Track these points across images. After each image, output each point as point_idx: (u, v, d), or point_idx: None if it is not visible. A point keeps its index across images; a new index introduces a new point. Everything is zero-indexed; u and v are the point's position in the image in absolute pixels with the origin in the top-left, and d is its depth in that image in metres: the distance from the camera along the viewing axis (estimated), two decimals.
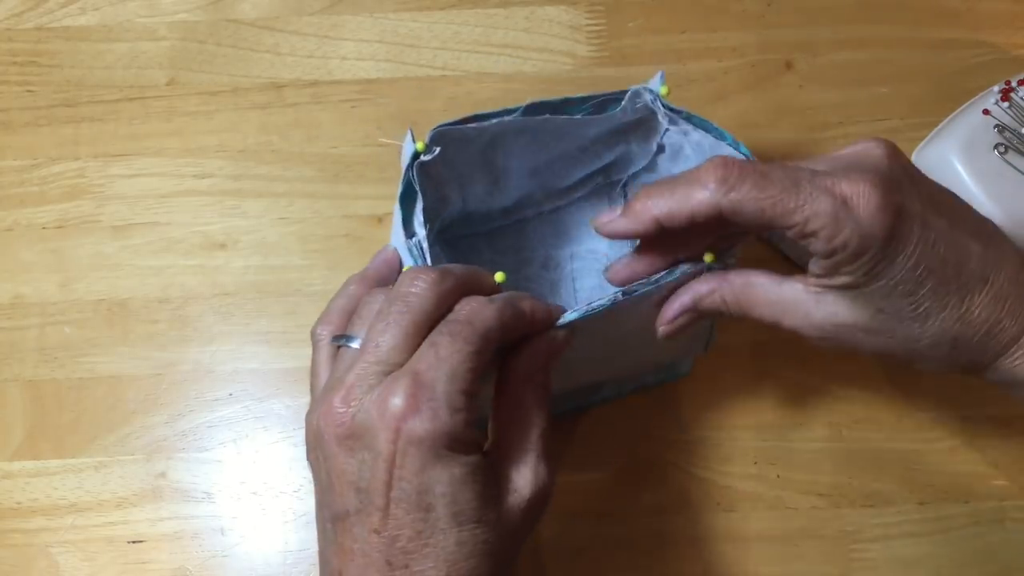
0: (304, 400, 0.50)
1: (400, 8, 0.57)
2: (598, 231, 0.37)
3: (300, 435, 0.49)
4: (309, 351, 0.50)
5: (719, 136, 0.41)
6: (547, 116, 0.42)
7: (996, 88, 0.50)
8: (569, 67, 0.56)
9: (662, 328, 0.39)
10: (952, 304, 0.34)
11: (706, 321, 0.42)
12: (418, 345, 0.33)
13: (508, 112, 0.41)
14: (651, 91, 0.42)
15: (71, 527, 0.48)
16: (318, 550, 0.35)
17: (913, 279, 0.33)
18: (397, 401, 0.31)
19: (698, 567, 0.47)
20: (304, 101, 0.55)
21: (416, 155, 0.39)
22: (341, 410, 0.32)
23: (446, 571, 0.31)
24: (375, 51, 0.56)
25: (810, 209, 0.32)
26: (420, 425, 0.31)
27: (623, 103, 0.43)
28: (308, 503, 0.48)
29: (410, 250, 0.39)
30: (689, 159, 0.44)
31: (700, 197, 0.34)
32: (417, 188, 0.39)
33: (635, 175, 0.49)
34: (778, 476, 0.48)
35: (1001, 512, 0.48)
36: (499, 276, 0.37)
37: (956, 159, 0.49)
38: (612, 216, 0.37)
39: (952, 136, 0.50)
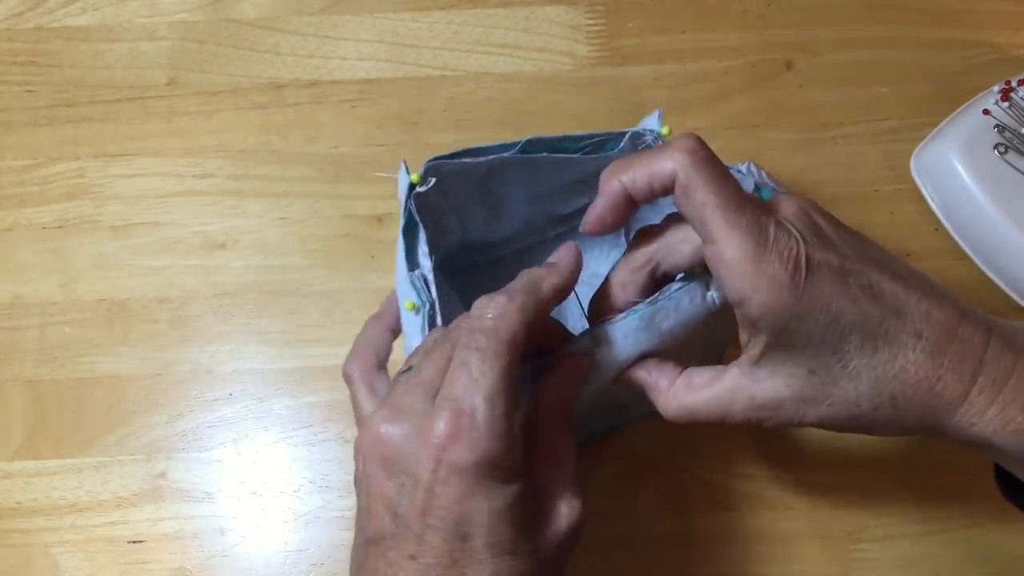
0: (305, 400, 0.50)
1: (400, 8, 0.57)
2: (586, 230, 0.37)
3: (300, 435, 0.49)
4: (309, 351, 0.50)
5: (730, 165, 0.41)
6: (544, 154, 0.41)
7: (996, 88, 0.50)
8: (569, 67, 0.56)
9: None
10: (883, 361, 0.32)
11: (717, 349, 0.42)
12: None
13: (505, 148, 0.40)
14: (652, 132, 0.41)
15: (71, 527, 0.48)
16: (350, 573, 0.34)
17: (835, 335, 0.32)
18: (439, 428, 0.31)
19: (699, 567, 0.47)
20: (304, 101, 0.55)
21: (412, 187, 0.39)
22: (384, 431, 0.32)
23: None
24: (375, 51, 0.56)
25: (742, 230, 0.31)
26: (461, 454, 0.30)
27: (622, 144, 0.42)
28: (308, 503, 0.48)
29: (412, 283, 0.38)
30: None
31: (664, 164, 0.33)
32: (418, 220, 0.38)
33: None
34: (778, 476, 0.48)
35: (1000, 512, 0.48)
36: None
37: (956, 159, 0.49)
38: (592, 212, 0.36)
39: (952, 136, 0.50)
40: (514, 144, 0.40)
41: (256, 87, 0.55)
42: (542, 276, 0.35)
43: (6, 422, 0.49)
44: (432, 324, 0.37)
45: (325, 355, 0.50)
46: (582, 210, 0.47)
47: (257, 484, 0.49)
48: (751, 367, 0.34)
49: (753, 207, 0.32)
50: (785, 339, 0.32)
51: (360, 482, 0.33)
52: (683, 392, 0.36)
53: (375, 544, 0.32)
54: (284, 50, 0.56)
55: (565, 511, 0.34)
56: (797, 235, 0.32)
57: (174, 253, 0.52)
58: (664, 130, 0.41)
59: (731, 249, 0.32)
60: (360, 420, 0.37)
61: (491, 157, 0.40)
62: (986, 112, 0.49)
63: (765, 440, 0.49)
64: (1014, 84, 0.50)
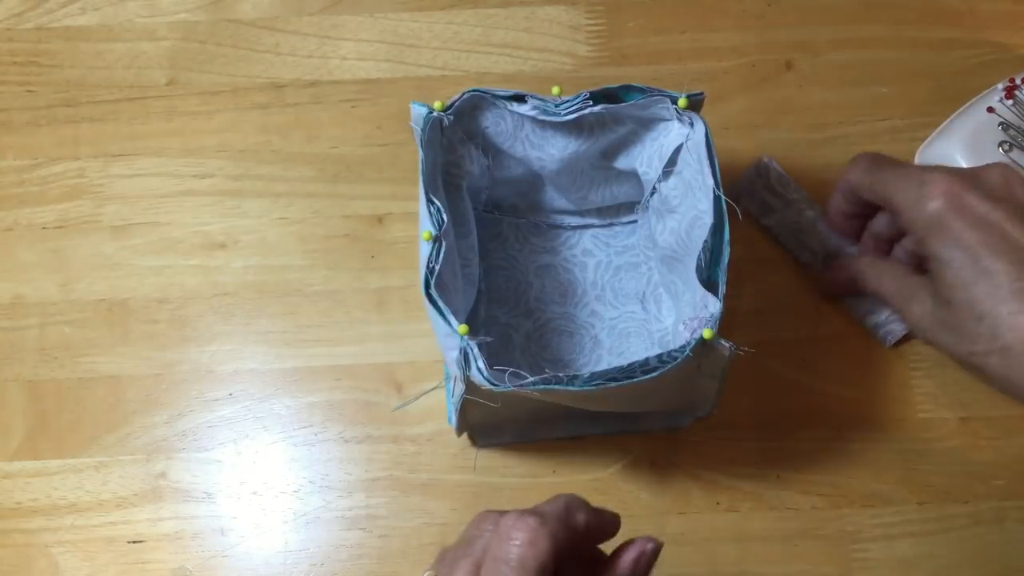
0: (305, 400, 0.50)
1: (400, 8, 0.57)
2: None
3: (300, 435, 0.49)
4: (309, 351, 0.51)
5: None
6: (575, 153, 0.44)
7: (1000, 86, 0.50)
8: (569, 67, 0.55)
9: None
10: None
11: (716, 384, 0.42)
12: None
13: (561, 104, 0.42)
14: (672, 97, 0.42)
15: (71, 527, 0.48)
16: None
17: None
18: None
19: (699, 567, 0.47)
20: (304, 101, 0.55)
21: (430, 112, 0.41)
22: None
23: None
24: (375, 51, 0.56)
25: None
26: None
27: (641, 100, 0.43)
28: (308, 503, 0.48)
29: (430, 214, 0.40)
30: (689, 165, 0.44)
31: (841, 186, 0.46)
32: (427, 148, 0.41)
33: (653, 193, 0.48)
34: (778, 476, 0.48)
35: (1001, 512, 0.48)
36: (462, 329, 0.38)
37: (960, 157, 0.49)
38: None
39: (956, 134, 0.50)
40: (573, 99, 0.42)
41: (256, 87, 0.55)
42: (577, 507, 0.34)
43: (6, 422, 0.49)
44: (438, 254, 0.39)
45: (325, 355, 0.50)
46: (618, 207, 0.51)
47: (257, 484, 0.49)
48: (937, 293, 0.41)
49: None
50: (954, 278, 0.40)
51: None
52: (869, 270, 0.46)
53: None
54: (284, 50, 0.56)
55: None
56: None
57: (174, 253, 0.52)
58: (681, 102, 0.42)
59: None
60: None
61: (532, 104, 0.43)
62: (990, 110, 0.49)
63: (765, 440, 0.49)
64: (1018, 82, 0.49)
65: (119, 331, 0.51)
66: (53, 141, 0.54)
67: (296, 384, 0.50)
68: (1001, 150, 0.49)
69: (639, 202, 0.49)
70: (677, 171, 0.45)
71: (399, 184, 0.53)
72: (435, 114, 0.41)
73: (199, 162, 0.54)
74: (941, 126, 0.52)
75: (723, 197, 0.40)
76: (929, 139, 0.52)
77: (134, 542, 0.48)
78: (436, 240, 0.39)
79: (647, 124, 0.44)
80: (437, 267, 0.39)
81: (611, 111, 0.43)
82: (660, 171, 0.45)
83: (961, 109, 0.51)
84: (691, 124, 0.42)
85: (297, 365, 0.50)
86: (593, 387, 0.37)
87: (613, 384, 0.37)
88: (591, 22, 0.56)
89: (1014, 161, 0.48)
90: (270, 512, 0.48)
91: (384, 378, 0.50)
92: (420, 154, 0.41)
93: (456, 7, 0.57)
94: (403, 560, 0.47)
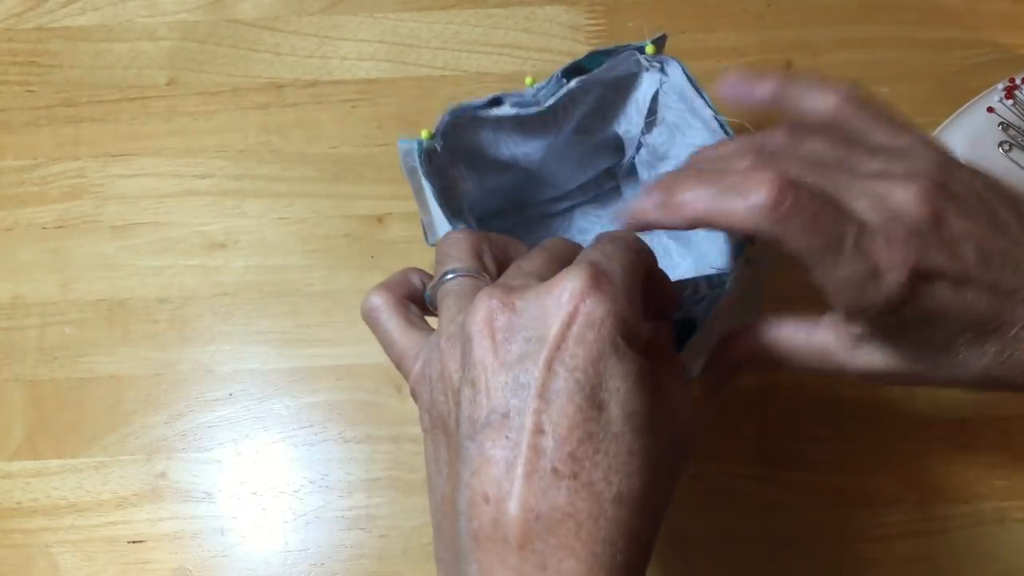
0: (305, 400, 0.50)
1: (400, 8, 0.57)
2: (629, 224, 0.34)
3: (300, 435, 0.49)
4: (309, 351, 0.50)
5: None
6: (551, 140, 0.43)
7: (1000, 85, 0.50)
8: None
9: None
10: (993, 352, 0.31)
11: (758, 288, 0.41)
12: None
13: (528, 99, 0.43)
14: (638, 47, 0.42)
15: (71, 527, 0.48)
16: (437, 493, 0.30)
17: (947, 335, 0.31)
18: (573, 283, 0.28)
19: (699, 567, 0.47)
20: (304, 101, 0.55)
21: (421, 145, 0.40)
22: (502, 303, 0.28)
23: (618, 485, 0.27)
24: (375, 51, 0.56)
25: (846, 271, 0.30)
26: (601, 306, 0.27)
27: (609, 62, 0.42)
28: (308, 503, 0.48)
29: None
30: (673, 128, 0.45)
31: (743, 214, 0.30)
32: (430, 180, 0.40)
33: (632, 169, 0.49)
34: (779, 476, 0.48)
35: (1001, 512, 0.48)
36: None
37: (960, 157, 0.49)
38: (643, 205, 0.33)
39: (956, 134, 0.50)
40: (536, 94, 0.43)
41: (256, 87, 0.55)
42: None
43: (6, 422, 0.49)
44: None
45: (325, 355, 0.50)
46: (587, 185, 0.50)
47: (257, 484, 0.49)
48: (848, 340, 0.33)
49: (855, 240, 0.30)
50: (890, 332, 0.32)
51: (445, 380, 0.30)
52: (768, 339, 0.35)
53: (491, 428, 0.27)
54: (284, 50, 0.56)
55: (688, 411, 0.31)
56: (911, 246, 0.30)
57: (174, 253, 0.52)
58: (648, 48, 0.42)
59: (847, 283, 0.31)
60: (397, 353, 0.33)
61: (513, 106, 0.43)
62: (990, 110, 0.49)
63: (766, 440, 0.49)
64: (1018, 82, 0.49)
65: (119, 331, 0.51)
66: (53, 141, 0.54)
67: (296, 384, 0.50)
68: (1001, 150, 0.49)
69: (617, 164, 0.50)
70: (660, 119, 0.45)
71: (399, 184, 0.53)
72: (427, 143, 0.40)
73: (199, 162, 0.54)
74: (941, 126, 0.52)
75: (724, 119, 0.41)
76: None
77: (134, 542, 0.48)
78: None
79: (616, 84, 0.44)
80: None
81: (584, 82, 0.43)
82: (642, 125, 0.45)
83: (961, 109, 0.51)
84: (661, 68, 0.43)
85: (297, 365, 0.50)
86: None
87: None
88: (591, 22, 0.56)
89: (1014, 161, 0.48)
90: (270, 512, 0.48)
91: (384, 378, 0.50)
92: (426, 186, 0.40)
93: (456, 7, 0.57)
94: (403, 560, 0.47)
